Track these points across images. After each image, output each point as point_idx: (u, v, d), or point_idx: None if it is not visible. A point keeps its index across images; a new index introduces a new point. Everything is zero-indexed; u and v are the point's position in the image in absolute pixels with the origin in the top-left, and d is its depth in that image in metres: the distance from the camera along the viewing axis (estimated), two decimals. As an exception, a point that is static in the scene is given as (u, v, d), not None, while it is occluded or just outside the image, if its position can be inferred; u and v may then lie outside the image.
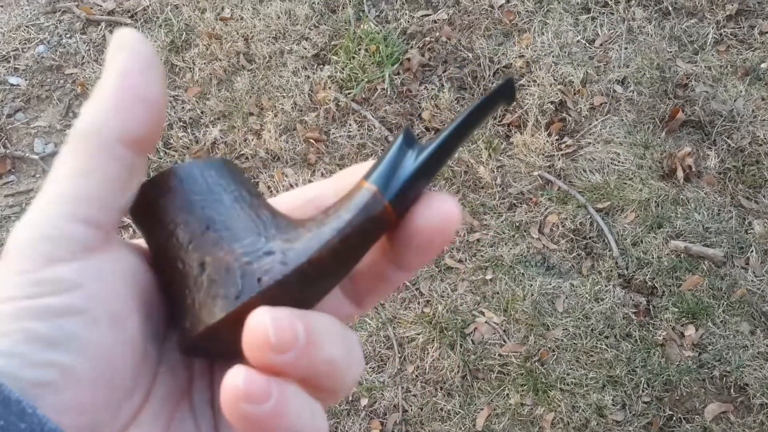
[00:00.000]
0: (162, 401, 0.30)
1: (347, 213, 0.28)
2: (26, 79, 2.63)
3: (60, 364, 0.25)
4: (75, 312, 0.26)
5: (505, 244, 2.14)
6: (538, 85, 2.36)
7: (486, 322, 2.03)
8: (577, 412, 1.90)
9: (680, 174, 2.16)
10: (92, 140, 0.28)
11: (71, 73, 2.63)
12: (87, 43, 2.69)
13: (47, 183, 0.28)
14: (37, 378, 0.25)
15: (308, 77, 2.49)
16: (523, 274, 2.08)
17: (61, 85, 2.62)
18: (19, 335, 0.25)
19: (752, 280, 2.02)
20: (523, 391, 1.94)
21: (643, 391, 1.91)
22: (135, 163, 0.28)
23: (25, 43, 2.70)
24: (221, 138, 2.42)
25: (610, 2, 2.51)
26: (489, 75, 2.43)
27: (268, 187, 2.28)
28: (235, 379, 0.24)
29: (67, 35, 2.72)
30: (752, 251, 2.05)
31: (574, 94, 2.35)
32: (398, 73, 2.47)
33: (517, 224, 2.16)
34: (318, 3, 2.65)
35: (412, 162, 0.29)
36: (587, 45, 2.44)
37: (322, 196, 0.33)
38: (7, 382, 0.24)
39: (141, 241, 0.32)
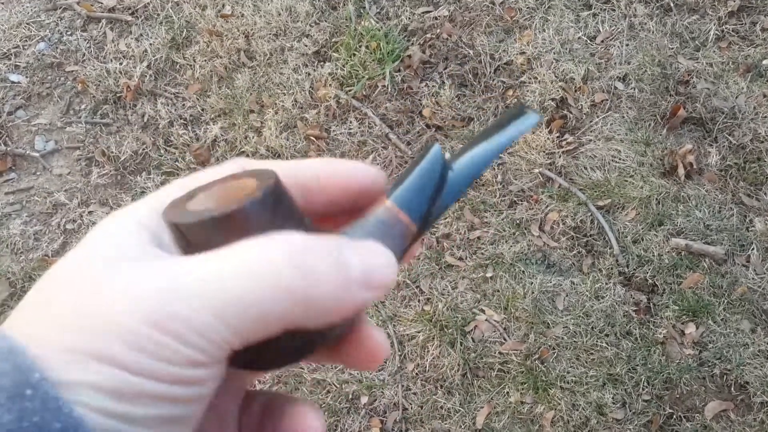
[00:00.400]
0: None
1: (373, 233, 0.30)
2: (27, 77, 2.63)
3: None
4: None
5: (506, 241, 2.13)
6: (539, 82, 2.36)
7: (486, 320, 2.03)
8: (577, 410, 1.90)
9: (681, 171, 2.16)
10: None
11: (72, 71, 2.63)
12: (88, 41, 2.69)
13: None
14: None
15: (309, 74, 2.49)
16: (523, 271, 2.08)
17: (62, 83, 2.62)
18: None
19: (753, 278, 2.01)
20: (523, 389, 1.94)
21: (643, 390, 1.91)
22: None
23: (26, 41, 2.70)
24: (222, 135, 2.42)
25: (611, -2, 2.51)
26: (490, 72, 2.42)
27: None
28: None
29: (68, 32, 2.72)
30: (753, 249, 2.05)
31: (575, 91, 2.34)
32: (399, 70, 2.46)
33: (518, 222, 2.16)
34: (319, 0, 2.65)
35: (443, 186, 0.30)
36: (588, 42, 2.43)
37: None
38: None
39: None
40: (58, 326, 0.26)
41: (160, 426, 0.26)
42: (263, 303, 0.26)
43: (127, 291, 0.26)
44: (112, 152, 2.43)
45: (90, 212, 2.34)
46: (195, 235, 0.29)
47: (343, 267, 0.27)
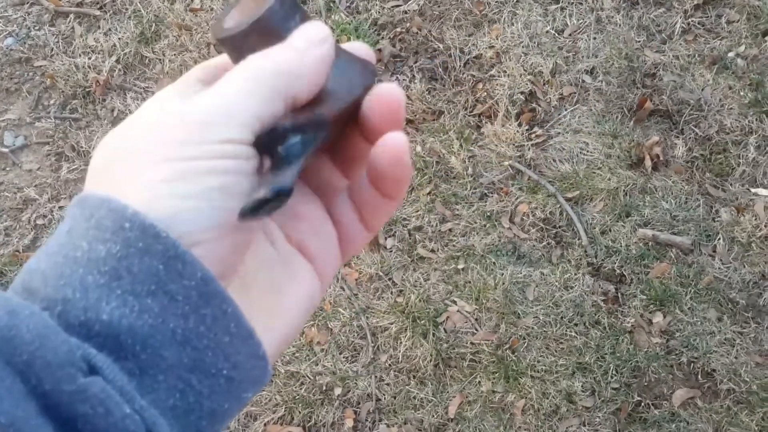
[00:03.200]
0: (250, 232, 0.35)
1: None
2: (-6, 72, 2.60)
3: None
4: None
5: (477, 233, 2.15)
6: (508, 75, 2.38)
7: (458, 311, 2.05)
8: (548, 398, 1.92)
9: (648, 163, 2.19)
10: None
11: (40, 66, 2.60)
12: (56, 35, 2.66)
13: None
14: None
15: (280, 68, 2.48)
16: (494, 263, 2.10)
17: (30, 78, 2.59)
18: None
19: (719, 268, 2.05)
20: (494, 378, 1.96)
21: (612, 378, 1.94)
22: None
23: (-7, 35, 2.67)
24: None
25: (579, -8, 2.53)
26: (460, 66, 2.43)
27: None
28: (401, 138, 0.35)
29: (36, 27, 2.69)
30: (719, 239, 2.08)
31: (544, 84, 2.36)
32: (370, 64, 2.46)
33: (489, 214, 2.18)
34: (289, -7, 2.64)
35: None
36: (556, 35, 2.46)
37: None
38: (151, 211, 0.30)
39: None
40: (127, 176, 0.31)
41: (218, 195, 0.31)
42: (267, 87, 0.33)
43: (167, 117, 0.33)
44: (82, 147, 2.42)
45: (60, 207, 2.33)
46: (236, 45, 0.36)
47: (298, 47, 0.35)
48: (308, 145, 0.34)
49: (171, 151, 0.31)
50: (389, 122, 0.36)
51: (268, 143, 0.33)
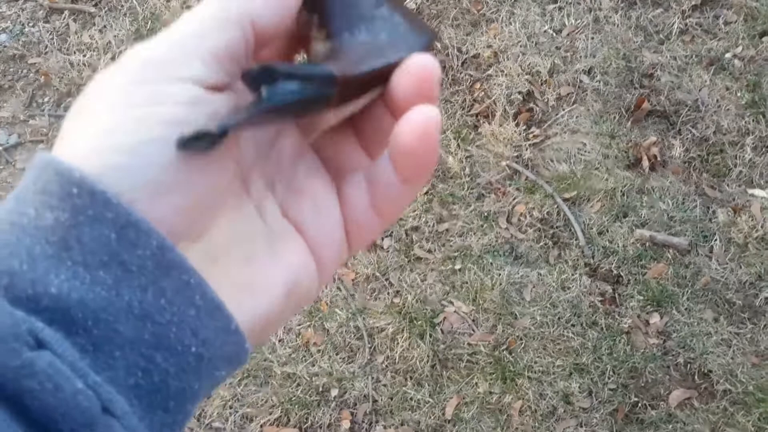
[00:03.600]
0: (227, 196, 0.33)
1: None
2: (-12, 69, 2.58)
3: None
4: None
5: (474, 233, 2.15)
6: (506, 75, 2.37)
7: (455, 311, 2.04)
8: (545, 399, 1.92)
9: (645, 163, 2.19)
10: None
11: (34, 63, 2.58)
12: (50, 32, 2.64)
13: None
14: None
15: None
16: (491, 263, 2.09)
17: (24, 75, 2.57)
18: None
19: (716, 268, 2.05)
20: (491, 379, 1.95)
21: (609, 379, 1.94)
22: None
23: (-13, 32, 2.65)
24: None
25: (577, -8, 2.53)
26: (457, 65, 2.43)
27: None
28: (431, 111, 0.31)
29: (30, 24, 2.67)
30: (716, 240, 2.09)
31: (542, 84, 2.36)
32: (367, 63, 2.46)
33: (486, 214, 2.18)
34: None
35: None
36: (554, 35, 2.45)
37: None
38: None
39: None
40: (77, 138, 0.29)
41: (157, 147, 0.29)
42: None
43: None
44: (77, 146, 2.40)
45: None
46: None
47: None
48: (299, 99, 0.30)
49: (118, 97, 0.29)
50: (418, 97, 0.32)
51: (255, 80, 0.30)
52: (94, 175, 0.27)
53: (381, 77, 0.33)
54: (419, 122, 0.31)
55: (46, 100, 2.52)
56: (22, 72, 2.58)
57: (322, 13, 0.35)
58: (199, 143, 0.28)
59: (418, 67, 0.32)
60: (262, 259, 0.33)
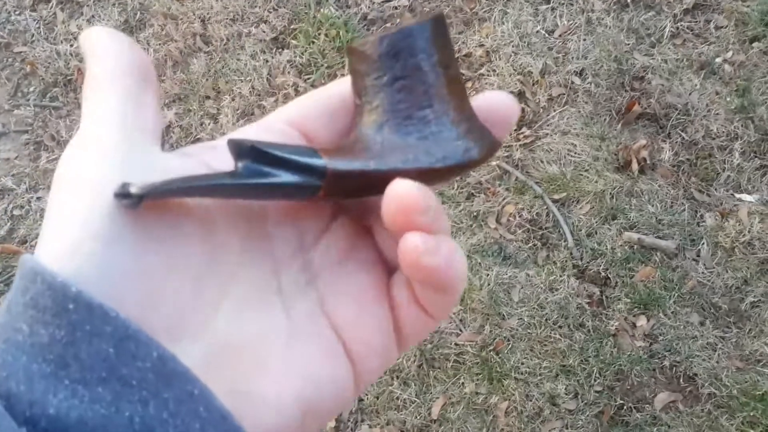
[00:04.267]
0: (247, 289, 0.31)
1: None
2: (-27, 57, 2.55)
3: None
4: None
5: (463, 233, 2.14)
6: (498, 74, 2.36)
7: (442, 311, 2.04)
8: (531, 400, 1.92)
9: (635, 166, 2.19)
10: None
11: (20, 52, 2.55)
12: (37, 21, 2.61)
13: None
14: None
15: (267, 61, 2.45)
16: (480, 263, 2.09)
17: (10, 64, 2.54)
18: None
19: (703, 272, 2.06)
20: (478, 380, 1.95)
21: (595, 381, 1.94)
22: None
23: (-28, 19, 2.61)
24: (177, 121, 2.37)
25: (569, -7, 2.53)
26: (449, 63, 2.42)
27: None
28: (413, 239, 0.28)
29: (17, 12, 2.63)
30: (703, 243, 2.09)
31: (533, 84, 2.35)
32: (358, 59, 2.44)
33: (475, 214, 2.17)
34: (277, -15, 2.61)
35: None
36: (546, 35, 2.45)
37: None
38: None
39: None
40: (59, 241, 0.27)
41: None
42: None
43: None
44: (62, 136, 2.37)
45: (38, 198, 2.28)
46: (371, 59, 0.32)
47: None
48: (274, 184, 0.29)
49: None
50: (394, 226, 0.30)
51: (237, 153, 0.29)
52: (70, 275, 0.26)
53: (384, 180, 0.29)
54: (409, 251, 0.29)
55: (31, 89, 2.49)
56: (8, 61, 2.55)
57: (363, 97, 0.33)
58: (125, 199, 0.27)
59: (396, 194, 0.29)
60: (276, 366, 0.31)
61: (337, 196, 0.31)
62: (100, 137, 0.29)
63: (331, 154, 0.30)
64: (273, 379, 0.30)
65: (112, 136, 0.29)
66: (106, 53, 0.32)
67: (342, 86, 0.35)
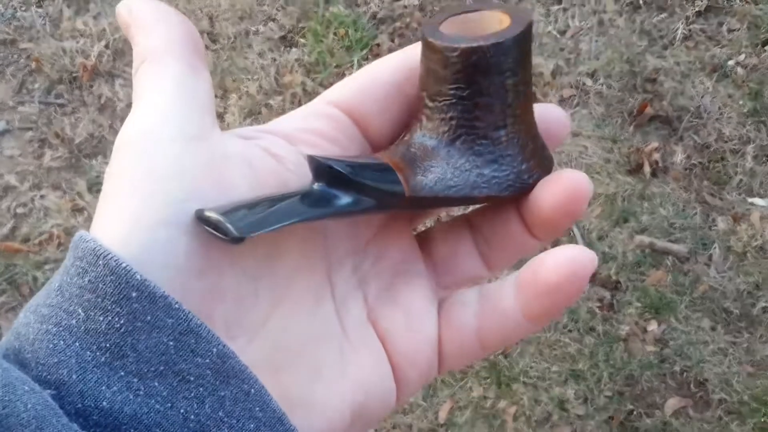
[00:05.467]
0: (303, 292, 0.30)
1: None
2: (-22, 53, 2.53)
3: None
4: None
5: (472, 235, 2.12)
6: (508, 75, 2.34)
7: (451, 314, 2.02)
8: (540, 405, 1.90)
9: (647, 169, 2.17)
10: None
11: (25, 48, 2.53)
12: (43, 17, 2.59)
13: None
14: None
15: (275, 60, 2.44)
16: (488, 266, 2.07)
17: (15, 60, 2.52)
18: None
19: (714, 277, 2.04)
20: (486, 384, 1.93)
21: (605, 386, 1.92)
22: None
23: (-23, 15, 2.60)
24: (183, 120, 2.35)
25: (580, -7, 2.51)
26: (458, 63, 2.40)
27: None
28: (583, 253, 0.29)
29: (22, 8, 2.62)
30: (715, 248, 2.07)
31: (544, 85, 2.34)
32: (367, 59, 2.43)
33: (484, 216, 2.15)
34: (285, -17, 2.60)
35: None
36: (558, 36, 2.43)
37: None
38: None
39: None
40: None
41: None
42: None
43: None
44: (67, 134, 2.35)
45: (42, 196, 2.26)
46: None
47: None
48: (351, 209, 0.28)
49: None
50: (565, 217, 0.30)
51: (316, 174, 0.28)
52: (133, 260, 0.25)
53: (454, 201, 0.30)
54: (568, 261, 0.29)
55: (36, 86, 2.47)
56: (13, 57, 2.53)
57: (435, 102, 0.31)
58: (211, 229, 0.26)
59: (565, 184, 0.29)
60: (330, 372, 0.30)
61: (404, 210, 0.31)
62: (165, 114, 0.29)
63: (399, 165, 0.29)
64: (326, 385, 0.29)
65: (176, 113, 0.29)
66: (156, 24, 0.31)
67: (396, 74, 0.34)
